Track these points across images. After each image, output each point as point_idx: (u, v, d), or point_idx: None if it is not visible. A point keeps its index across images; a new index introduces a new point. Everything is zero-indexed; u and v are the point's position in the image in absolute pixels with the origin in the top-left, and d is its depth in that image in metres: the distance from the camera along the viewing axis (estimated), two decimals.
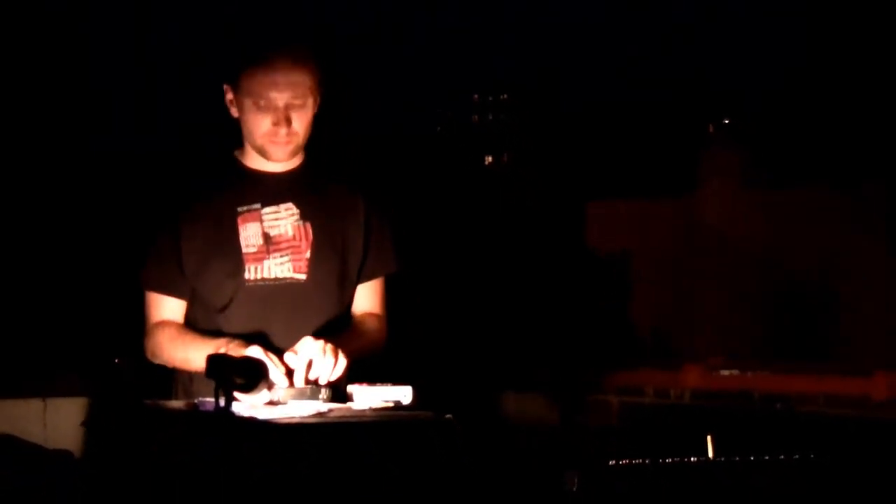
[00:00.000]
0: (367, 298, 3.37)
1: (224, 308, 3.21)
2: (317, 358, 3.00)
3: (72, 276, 5.56)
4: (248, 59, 3.19)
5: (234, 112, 3.24)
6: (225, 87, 3.23)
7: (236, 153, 3.30)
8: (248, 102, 3.19)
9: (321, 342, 3.03)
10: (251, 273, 3.21)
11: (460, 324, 6.99)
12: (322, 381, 2.98)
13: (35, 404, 4.55)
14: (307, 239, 3.25)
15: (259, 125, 3.20)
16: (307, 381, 2.99)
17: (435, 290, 6.60)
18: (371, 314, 3.37)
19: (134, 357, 3.36)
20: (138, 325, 3.31)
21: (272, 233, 3.23)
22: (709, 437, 2.90)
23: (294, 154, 3.25)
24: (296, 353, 3.02)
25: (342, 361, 3.03)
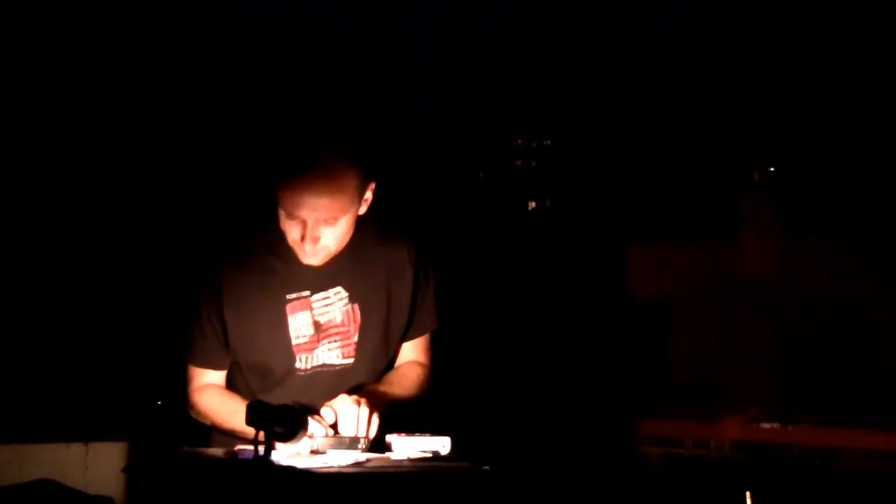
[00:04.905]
0: (412, 351, 3.38)
1: (271, 388, 3.21)
2: (352, 414, 3.02)
3: (115, 316, 5.60)
4: (278, 171, 3.04)
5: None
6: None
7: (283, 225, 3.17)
8: (280, 207, 3.09)
9: (354, 397, 3.05)
10: (302, 363, 3.21)
11: (497, 370, 6.97)
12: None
13: (77, 448, 4.57)
14: (355, 322, 3.22)
15: (288, 232, 3.10)
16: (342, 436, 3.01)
17: (475, 338, 6.60)
18: (414, 363, 3.38)
19: (176, 399, 3.38)
20: (180, 367, 3.33)
21: (322, 320, 3.21)
22: (748, 494, 2.89)
23: (326, 259, 3.14)
24: (332, 408, 3.04)
25: (375, 419, 3.04)
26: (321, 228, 3.07)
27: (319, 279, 3.19)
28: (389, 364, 3.33)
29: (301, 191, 3.01)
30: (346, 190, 3.04)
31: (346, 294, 3.22)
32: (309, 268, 3.17)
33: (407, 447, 2.97)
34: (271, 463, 2.77)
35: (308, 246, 3.08)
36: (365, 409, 3.02)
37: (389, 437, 3.00)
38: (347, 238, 3.14)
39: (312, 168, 3.00)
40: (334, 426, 3.01)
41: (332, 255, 3.14)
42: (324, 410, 3.03)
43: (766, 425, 5.74)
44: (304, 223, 3.05)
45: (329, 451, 2.94)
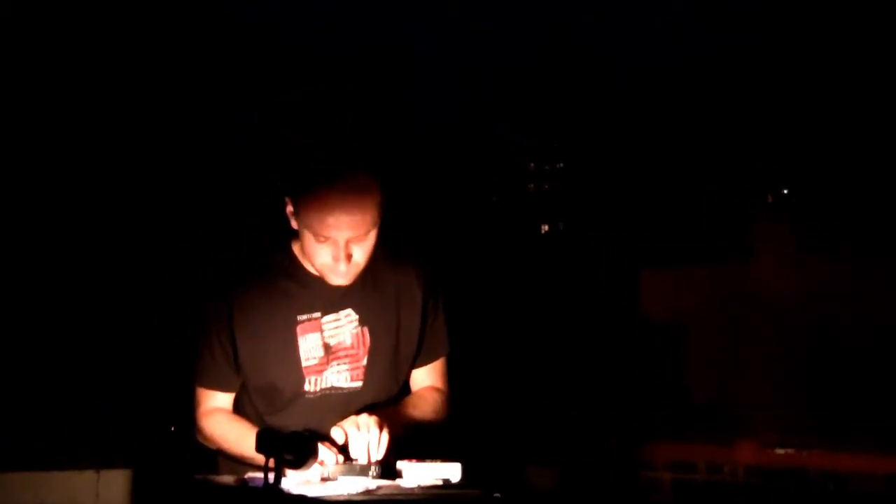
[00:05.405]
0: (427, 377, 3.36)
1: (279, 411, 3.21)
2: (362, 434, 3.00)
3: (128, 343, 5.60)
4: (305, 193, 3.04)
5: (294, 225, 3.12)
6: (286, 198, 3.11)
7: (295, 249, 3.21)
8: (306, 231, 3.08)
9: (364, 416, 3.04)
10: (311, 385, 3.20)
11: (508, 396, 6.94)
12: (363, 459, 2.98)
13: (88, 476, 4.55)
14: (364, 346, 3.22)
15: (318, 256, 3.10)
16: (353, 458, 3.00)
17: (488, 361, 6.58)
18: (431, 388, 3.36)
19: (188, 426, 3.37)
20: (191, 393, 3.32)
21: (332, 342, 3.20)
22: None
23: (354, 277, 3.14)
24: (343, 429, 3.02)
25: (385, 437, 3.02)
26: (352, 246, 3.07)
27: (330, 300, 3.19)
28: (400, 389, 3.31)
29: (331, 211, 3.02)
30: (374, 201, 3.07)
31: (357, 316, 3.22)
32: (320, 289, 3.17)
33: (417, 474, 2.95)
34: (282, 491, 2.76)
35: (342, 265, 3.08)
36: (375, 431, 3.00)
37: (400, 464, 2.99)
38: (372, 252, 3.13)
39: (338, 186, 3.02)
40: (344, 447, 3.00)
41: (360, 272, 3.13)
42: (334, 431, 3.01)
43: (781, 450, 5.69)
44: (335, 244, 3.06)
45: (339, 478, 2.93)
